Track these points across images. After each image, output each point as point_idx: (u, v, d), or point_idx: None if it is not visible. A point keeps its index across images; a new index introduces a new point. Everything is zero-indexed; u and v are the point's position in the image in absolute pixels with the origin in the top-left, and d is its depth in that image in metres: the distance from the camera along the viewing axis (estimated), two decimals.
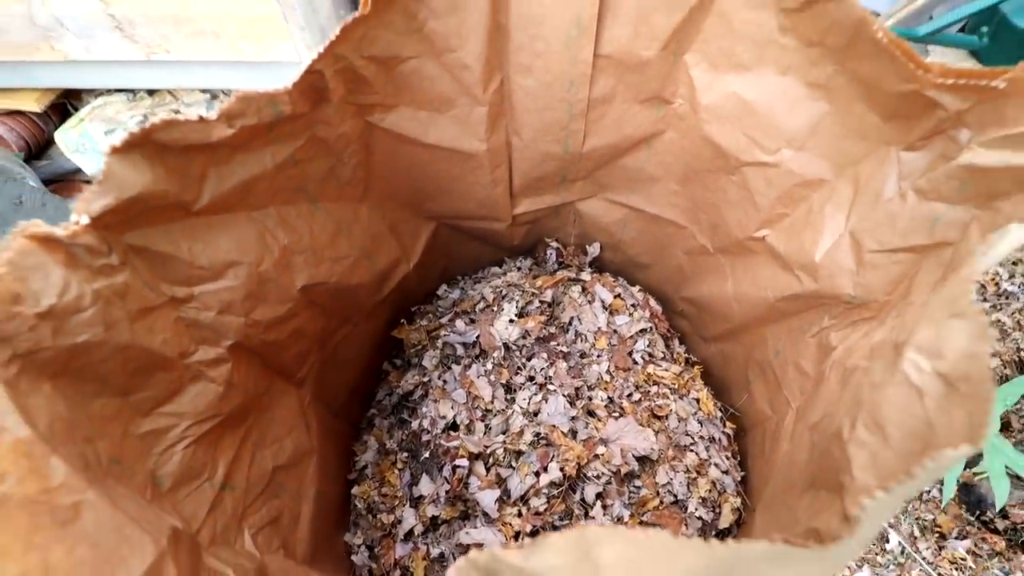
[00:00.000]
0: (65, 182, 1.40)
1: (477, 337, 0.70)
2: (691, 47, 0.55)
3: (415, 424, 0.70)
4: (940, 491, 1.04)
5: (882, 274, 0.47)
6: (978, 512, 1.04)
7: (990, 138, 0.38)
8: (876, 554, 1.01)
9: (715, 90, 0.56)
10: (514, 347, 0.69)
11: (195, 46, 1.11)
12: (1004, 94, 0.36)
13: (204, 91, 1.35)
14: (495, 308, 0.72)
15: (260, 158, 0.44)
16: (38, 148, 1.41)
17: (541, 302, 0.73)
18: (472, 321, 0.71)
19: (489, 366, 0.68)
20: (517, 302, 0.71)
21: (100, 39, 1.11)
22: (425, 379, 0.72)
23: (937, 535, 1.02)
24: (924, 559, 0.99)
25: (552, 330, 0.71)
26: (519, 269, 0.82)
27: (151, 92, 1.35)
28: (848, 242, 0.49)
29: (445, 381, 0.70)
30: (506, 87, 0.57)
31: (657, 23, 0.51)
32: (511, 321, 0.69)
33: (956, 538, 1.01)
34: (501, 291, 0.74)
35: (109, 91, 1.36)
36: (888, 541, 1.01)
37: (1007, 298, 1.23)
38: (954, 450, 0.22)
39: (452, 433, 0.65)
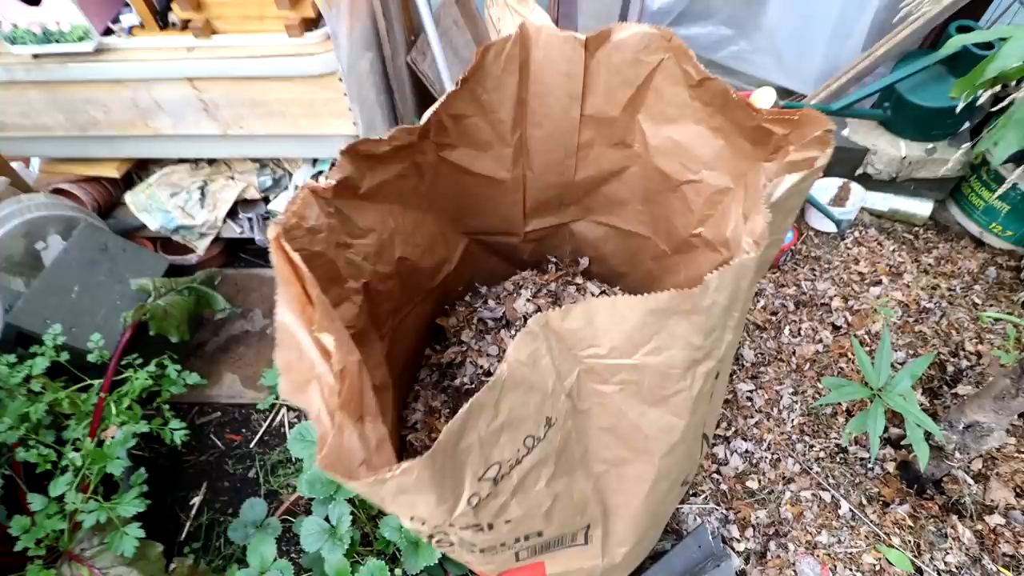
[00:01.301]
0: (129, 238, 1.73)
1: (503, 313, 1.02)
2: (641, 109, 0.93)
3: (457, 382, 1.00)
4: (883, 466, 1.33)
5: None
6: (916, 487, 1.32)
7: (798, 145, 0.74)
8: (831, 520, 1.28)
9: (658, 136, 0.94)
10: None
11: (264, 123, 1.50)
12: (800, 123, 0.73)
13: (254, 160, 1.74)
14: (515, 294, 1.05)
15: (386, 171, 0.79)
16: (106, 208, 1.75)
17: (548, 291, 1.07)
18: (499, 302, 1.04)
19: (513, 332, 0.99)
20: (531, 289, 1.04)
21: (188, 118, 1.49)
22: (464, 349, 1.03)
23: (881, 503, 1.29)
24: (872, 521, 1.26)
25: None
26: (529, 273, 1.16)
27: (211, 161, 1.73)
28: (742, 220, 0.85)
29: (480, 346, 1.01)
30: (525, 135, 0.94)
31: (618, 95, 0.90)
32: (528, 300, 1.01)
33: (897, 504, 1.28)
34: (519, 283, 1.08)
35: (174, 161, 1.73)
36: (840, 507, 1.28)
37: (926, 313, 1.59)
38: (748, 256, 0.55)
39: (489, 378, 0.95)
